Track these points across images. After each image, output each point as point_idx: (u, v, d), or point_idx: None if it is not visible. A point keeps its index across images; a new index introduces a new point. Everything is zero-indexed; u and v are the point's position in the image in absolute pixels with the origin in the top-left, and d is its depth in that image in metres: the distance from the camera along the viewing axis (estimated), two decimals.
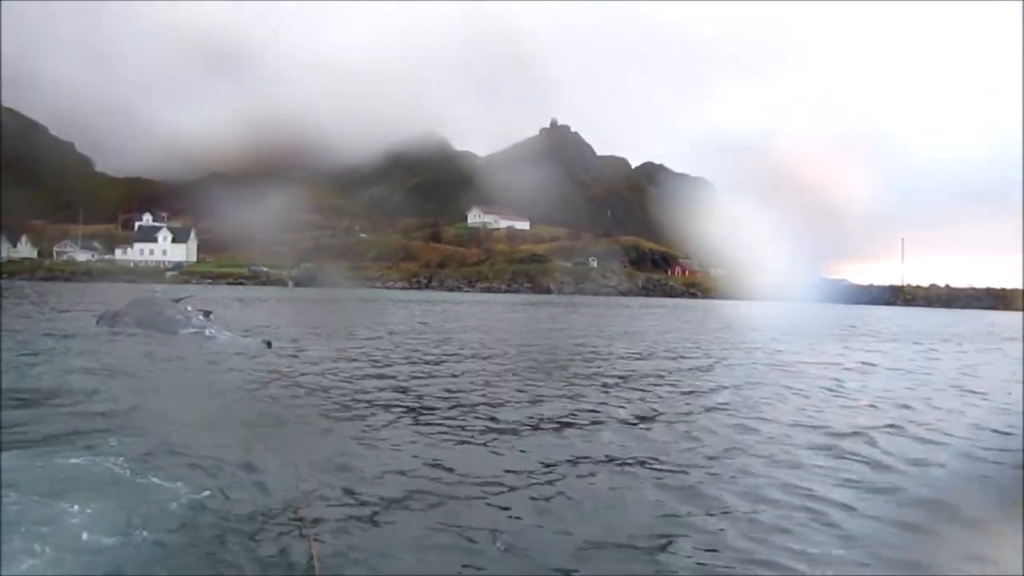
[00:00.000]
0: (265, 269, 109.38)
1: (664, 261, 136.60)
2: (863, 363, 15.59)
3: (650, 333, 24.21)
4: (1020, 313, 74.81)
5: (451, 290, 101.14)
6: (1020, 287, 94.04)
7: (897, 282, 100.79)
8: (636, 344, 18.95)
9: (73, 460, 5.08)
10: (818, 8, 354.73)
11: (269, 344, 13.98)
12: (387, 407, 8.14)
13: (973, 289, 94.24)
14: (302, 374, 10.55)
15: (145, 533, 3.87)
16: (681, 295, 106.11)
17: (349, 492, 4.81)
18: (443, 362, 13.23)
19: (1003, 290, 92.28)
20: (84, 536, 3.76)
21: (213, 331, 15.60)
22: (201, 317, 16.51)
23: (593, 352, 16.39)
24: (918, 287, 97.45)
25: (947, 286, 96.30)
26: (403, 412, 7.91)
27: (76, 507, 4.10)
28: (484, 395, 9.32)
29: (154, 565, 3.57)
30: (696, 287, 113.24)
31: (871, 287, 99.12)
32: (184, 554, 3.74)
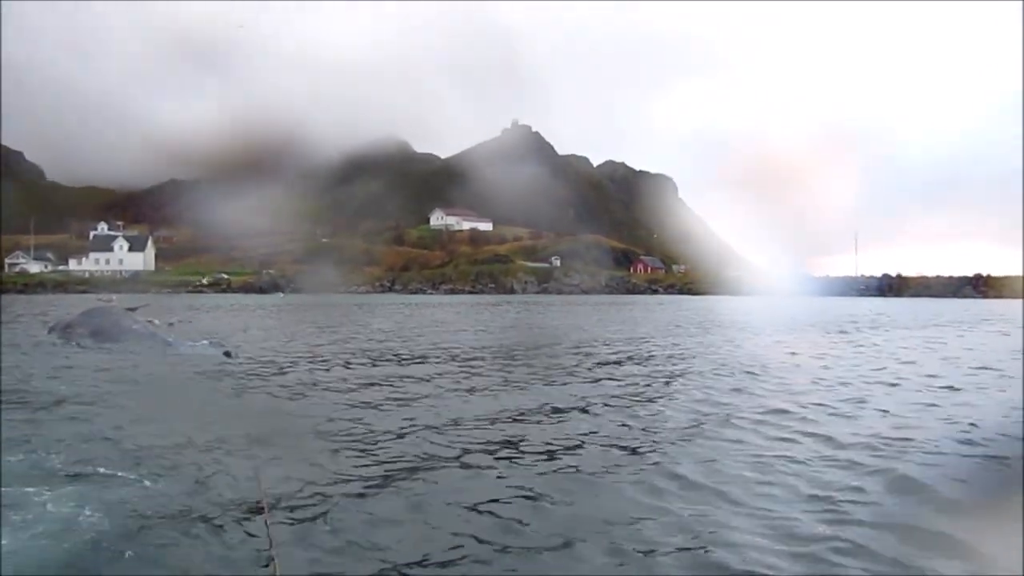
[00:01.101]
0: (226, 276, 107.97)
1: (626, 258, 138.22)
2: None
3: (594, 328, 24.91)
4: (968, 300, 77.73)
5: (415, 293, 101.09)
6: (969, 275, 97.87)
7: (852, 273, 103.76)
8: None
9: (21, 456, 5.30)
10: (787, 7, 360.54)
11: (228, 354, 13.79)
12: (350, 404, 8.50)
13: (924, 277, 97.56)
14: (262, 379, 10.77)
15: (102, 527, 4.01)
16: (643, 292, 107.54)
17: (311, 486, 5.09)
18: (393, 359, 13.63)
19: (951, 278, 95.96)
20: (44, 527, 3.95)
21: (170, 340, 15.46)
22: (156, 326, 16.48)
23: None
24: (871, 277, 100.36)
25: (898, 275, 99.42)
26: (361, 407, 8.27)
27: (41, 497, 4.36)
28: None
29: (114, 560, 3.69)
30: (658, 283, 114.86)
31: (827, 278, 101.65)
32: (142, 549, 3.83)
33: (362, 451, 6.16)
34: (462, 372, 12.00)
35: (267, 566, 3.61)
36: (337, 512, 4.48)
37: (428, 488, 5.04)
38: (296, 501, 4.69)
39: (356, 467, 5.56)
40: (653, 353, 15.88)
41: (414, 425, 7.25)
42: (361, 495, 4.87)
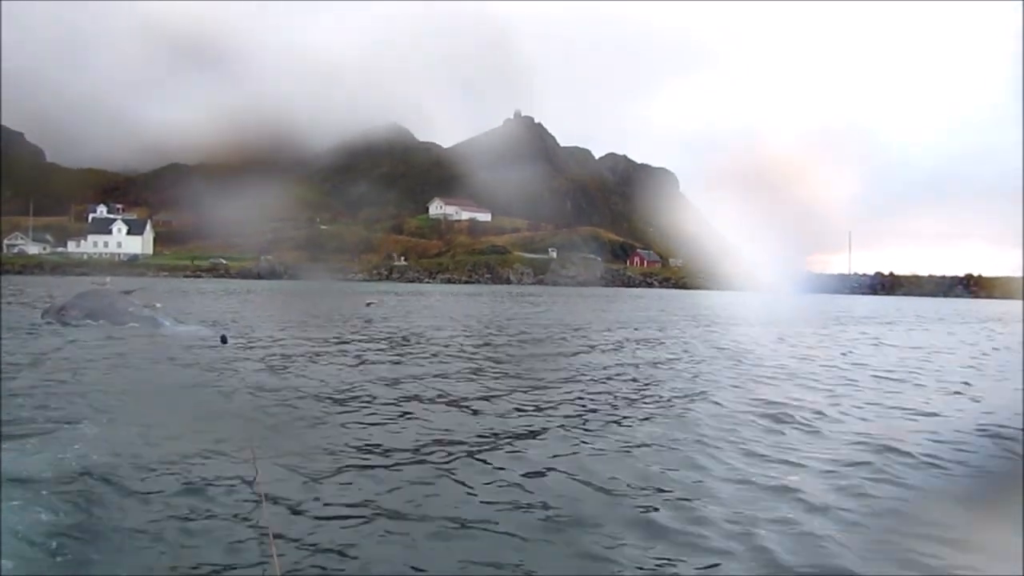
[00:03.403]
0: (224, 261, 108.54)
1: (623, 251, 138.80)
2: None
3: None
4: (958, 300, 78.41)
5: (411, 281, 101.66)
6: (961, 275, 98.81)
7: (845, 271, 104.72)
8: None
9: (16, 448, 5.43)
10: (784, 7, 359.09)
11: (224, 339, 13.49)
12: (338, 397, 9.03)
13: (916, 276, 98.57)
14: (255, 361, 11.21)
15: (92, 523, 4.05)
16: (638, 285, 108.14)
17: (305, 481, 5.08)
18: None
19: (944, 277, 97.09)
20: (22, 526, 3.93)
21: (165, 323, 15.50)
22: (154, 308, 16.77)
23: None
24: (864, 275, 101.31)
25: (891, 274, 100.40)
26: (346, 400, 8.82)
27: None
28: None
29: (101, 559, 3.67)
30: (653, 276, 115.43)
31: (822, 276, 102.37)
32: (135, 547, 3.82)
33: (357, 432, 6.47)
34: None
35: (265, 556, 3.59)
36: (337, 502, 4.57)
37: (424, 472, 5.30)
38: (292, 489, 4.76)
39: (352, 454, 5.77)
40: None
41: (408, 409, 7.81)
42: (362, 477, 5.08)
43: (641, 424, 7.18)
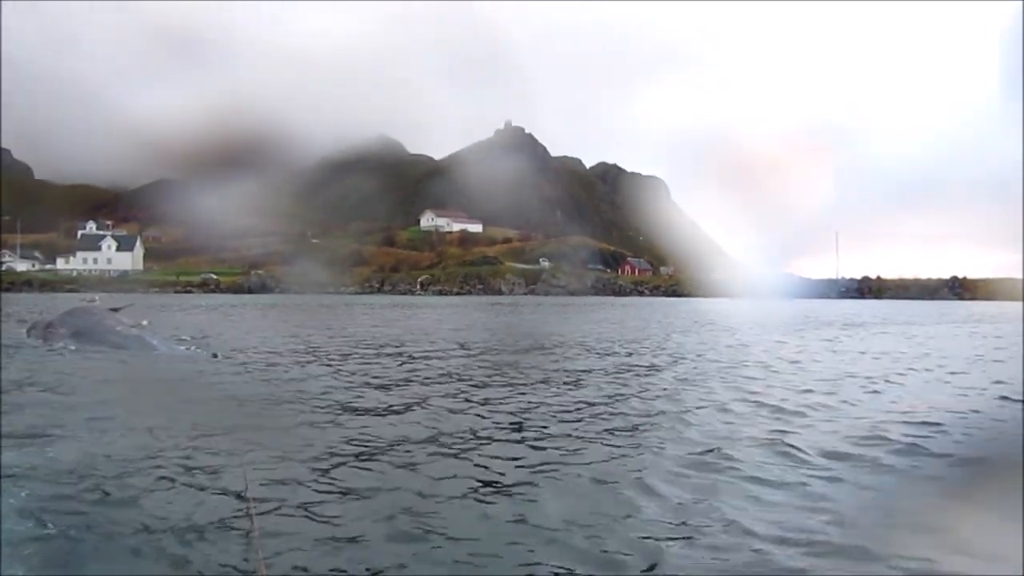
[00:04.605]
0: (215, 276, 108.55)
1: (615, 260, 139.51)
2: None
3: None
4: (944, 302, 79.25)
5: (403, 294, 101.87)
6: (946, 278, 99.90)
7: (832, 275, 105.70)
8: None
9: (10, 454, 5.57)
10: (770, 8, 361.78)
11: (215, 355, 13.48)
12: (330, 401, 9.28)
13: (902, 280, 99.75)
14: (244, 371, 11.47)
15: (83, 526, 4.14)
16: (629, 293, 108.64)
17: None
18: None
19: (929, 280, 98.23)
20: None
21: (155, 342, 15.12)
22: (143, 326, 16.84)
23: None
24: (851, 279, 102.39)
25: (877, 278, 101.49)
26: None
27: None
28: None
29: (93, 561, 3.77)
30: (644, 285, 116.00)
31: (808, 280, 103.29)
32: (123, 549, 3.87)
33: (348, 434, 6.65)
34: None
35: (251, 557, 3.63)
36: (325, 507, 4.65)
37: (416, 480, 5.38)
38: (282, 496, 4.85)
39: (342, 457, 5.89)
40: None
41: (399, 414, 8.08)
42: (348, 491, 5.09)
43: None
